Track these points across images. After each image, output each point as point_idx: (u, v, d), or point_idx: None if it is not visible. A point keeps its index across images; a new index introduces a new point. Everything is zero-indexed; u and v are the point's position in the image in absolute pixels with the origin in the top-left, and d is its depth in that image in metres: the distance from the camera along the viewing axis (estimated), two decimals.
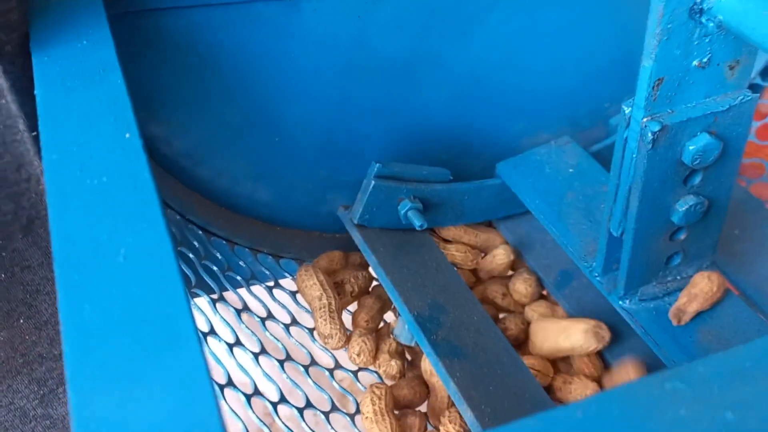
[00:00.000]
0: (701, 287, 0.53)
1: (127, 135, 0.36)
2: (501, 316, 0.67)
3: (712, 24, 0.43)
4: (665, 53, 0.43)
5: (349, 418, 0.57)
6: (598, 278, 0.57)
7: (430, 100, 0.69)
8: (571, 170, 0.67)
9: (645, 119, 0.45)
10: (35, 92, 0.38)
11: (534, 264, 0.69)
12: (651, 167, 0.46)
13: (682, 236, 0.53)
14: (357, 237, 0.65)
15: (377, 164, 0.64)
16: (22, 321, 0.52)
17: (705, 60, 0.44)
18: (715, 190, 0.50)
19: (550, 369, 0.60)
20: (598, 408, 0.25)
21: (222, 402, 0.49)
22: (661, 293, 0.56)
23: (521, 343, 0.64)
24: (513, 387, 0.54)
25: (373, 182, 0.64)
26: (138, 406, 0.25)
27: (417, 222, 0.64)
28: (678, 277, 0.56)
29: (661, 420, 0.25)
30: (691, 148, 0.46)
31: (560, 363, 0.62)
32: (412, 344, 0.62)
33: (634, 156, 0.47)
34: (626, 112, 0.46)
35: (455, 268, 0.66)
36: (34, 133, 0.45)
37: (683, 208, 0.49)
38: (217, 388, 0.49)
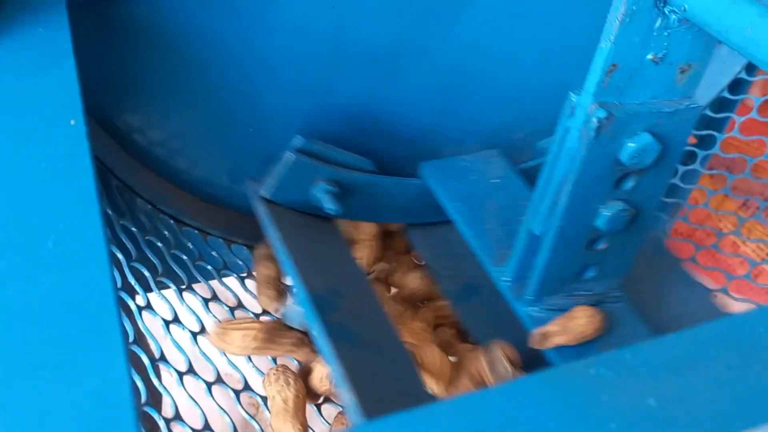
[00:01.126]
0: (578, 323, 0.52)
1: (72, 122, 0.36)
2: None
3: (674, 16, 0.43)
4: (624, 37, 0.43)
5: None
6: (508, 283, 0.56)
7: (412, 90, 0.68)
8: (494, 181, 0.67)
9: (593, 105, 0.45)
10: None
11: (439, 274, 0.68)
12: (589, 160, 0.46)
13: (601, 246, 0.52)
14: (263, 211, 0.61)
15: (300, 137, 0.61)
16: None
17: (660, 55, 0.44)
18: (643, 201, 0.50)
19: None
20: (520, 390, 0.25)
21: (181, 389, 0.49)
22: (567, 306, 0.55)
23: None
24: (404, 386, 0.51)
25: (294, 156, 0.60)
26: (53, 393, 0.25)
27: (330, 206, 0.60)
28: (588, 293, 0.55)
29: (581, 404, 0.25)
30: (630, 145, 0.46)
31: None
32: (301, 327, 0.58)
33: (573, 146, 0.46)
34: (573, 99, 0.46)
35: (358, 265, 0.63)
36: None
37: (609, 213, 0.49)
38: (176, 374, 0.49)
